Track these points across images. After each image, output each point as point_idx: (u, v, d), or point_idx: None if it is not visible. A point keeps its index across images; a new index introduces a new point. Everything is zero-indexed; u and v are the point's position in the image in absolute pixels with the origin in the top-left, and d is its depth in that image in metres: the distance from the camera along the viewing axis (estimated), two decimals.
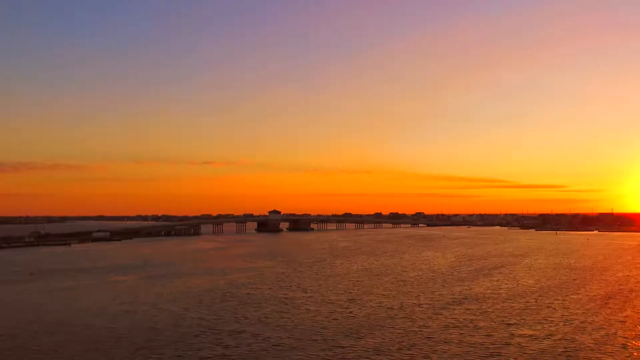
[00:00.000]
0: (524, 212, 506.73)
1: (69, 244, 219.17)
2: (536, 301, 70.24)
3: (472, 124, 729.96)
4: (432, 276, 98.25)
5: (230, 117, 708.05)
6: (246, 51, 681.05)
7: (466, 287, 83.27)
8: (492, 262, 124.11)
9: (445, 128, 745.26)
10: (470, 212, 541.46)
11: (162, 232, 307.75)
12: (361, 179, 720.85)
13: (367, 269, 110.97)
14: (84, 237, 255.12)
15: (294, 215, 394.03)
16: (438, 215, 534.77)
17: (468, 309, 65.23)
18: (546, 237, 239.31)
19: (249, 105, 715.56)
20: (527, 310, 63.65)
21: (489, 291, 79.23)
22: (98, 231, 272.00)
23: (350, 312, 64.08)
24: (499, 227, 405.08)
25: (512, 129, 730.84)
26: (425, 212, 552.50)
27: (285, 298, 75.04)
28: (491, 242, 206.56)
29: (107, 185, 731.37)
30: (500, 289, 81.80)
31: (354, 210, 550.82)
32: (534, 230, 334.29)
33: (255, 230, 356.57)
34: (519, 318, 59.31)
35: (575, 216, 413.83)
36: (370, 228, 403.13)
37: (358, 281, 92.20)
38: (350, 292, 79.25)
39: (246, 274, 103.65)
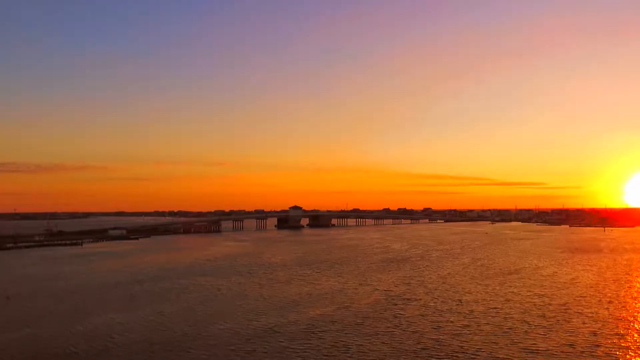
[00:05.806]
0: (537, 208, 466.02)
1: (81, 244, 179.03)
2: None
3: (456, 125, 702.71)
4: None
5: (237, 120, 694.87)
6: (253, 55, 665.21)
7: None
8: None
9: (430, 129, 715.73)
10: (461, 208, 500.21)
11: (181, 229, 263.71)
12: (357, 178, 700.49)
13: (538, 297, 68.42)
14: (99, 235, 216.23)
15: (314, 211, 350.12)
16: (450, 210, 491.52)
17: None
18: (621, 236, 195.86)
19: (251, 108, 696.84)
20: None
21: None
22: (114, 228, 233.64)
23: None
24: (519, 223, 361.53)
25: (493, 129, 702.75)
26: (431, 208, 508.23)
27: None
28: (565, 242, 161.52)
29: (128, 185, 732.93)
30: None
31: (358, 207, 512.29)
32: (567, 226, 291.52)
33: (275, 226, 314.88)
34: None
35: (596, 212, 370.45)
36: (389, 224, 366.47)
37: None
38: None
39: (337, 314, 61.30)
